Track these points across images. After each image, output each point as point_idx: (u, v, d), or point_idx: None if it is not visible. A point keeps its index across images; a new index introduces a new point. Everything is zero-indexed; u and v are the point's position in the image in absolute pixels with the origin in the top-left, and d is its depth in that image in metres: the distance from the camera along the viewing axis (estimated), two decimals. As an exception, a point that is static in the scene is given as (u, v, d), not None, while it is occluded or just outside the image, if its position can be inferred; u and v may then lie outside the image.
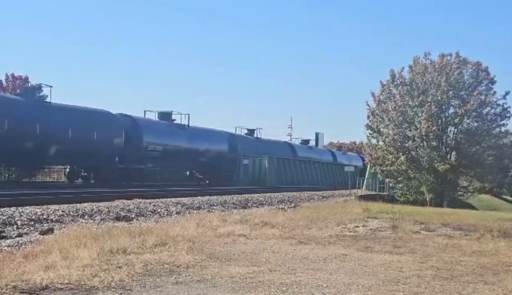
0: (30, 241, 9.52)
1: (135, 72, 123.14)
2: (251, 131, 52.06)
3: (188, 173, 41.91)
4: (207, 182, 41.18)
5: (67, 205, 14.66)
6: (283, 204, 23.53)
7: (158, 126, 38.86)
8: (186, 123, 41.11)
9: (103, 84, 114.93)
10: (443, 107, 31.07)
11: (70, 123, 30.01)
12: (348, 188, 36.27)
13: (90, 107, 33.50)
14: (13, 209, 12.86)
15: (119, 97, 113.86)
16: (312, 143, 63.69)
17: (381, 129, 32.03)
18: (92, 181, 32.77)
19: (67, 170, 34.02)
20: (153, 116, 40.58)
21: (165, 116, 40.61)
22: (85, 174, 33.71)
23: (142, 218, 14.74)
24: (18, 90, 40.68)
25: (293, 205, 22.67)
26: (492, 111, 31.51)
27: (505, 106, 31.53)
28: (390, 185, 36.21)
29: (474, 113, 30.94)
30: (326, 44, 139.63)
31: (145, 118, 39.75)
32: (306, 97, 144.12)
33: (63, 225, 11.84)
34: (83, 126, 30.87)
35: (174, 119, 40.91)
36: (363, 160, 67.15)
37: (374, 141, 32.99)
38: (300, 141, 63.36)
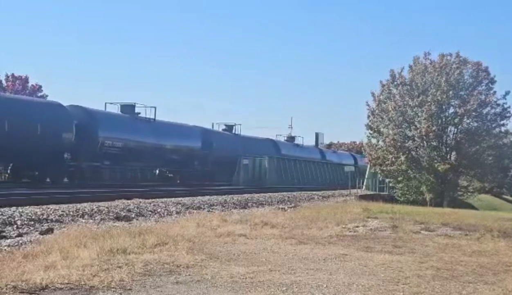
0: (30, 241, 9.51)
1: (135, 72, 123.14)
2: (229, 127, 48.77)
3: (157, 171, 38.15)
4: (178, 181, 38.07)
5: (67, 205, 14.65)
6: (283, 204, 23.52)
7: (117, 120, 34.97)
8: (152, 117, 37.48)
9: (103, 84, 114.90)
10: (443, 107, 31.09)
11: (7, 115, 26.17)
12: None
13: (34, 98, 30.61)
14: (13, 208, 12.86)
15: (119, 97, 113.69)
16: (300, 140, 60.62)
17: (381, 129, 32.05)
18: (48, 180, 29.49)
19: (9, 168, 30.25)
20: (116, 109, 36.78)
21: (128, 109, 36.36)
22: (33, 173, 29.83)
23: (142, 217, 14.74)
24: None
25: (293, 205, 22.66)
26: (492, 111, 31.57)
27: (505, 106, 31.61)
28: (390, 184, 36.26)
29: (474, 113, 30.97)
30: (326, 44, 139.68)
31: (101, 110, 35.71)
32: (306, 97, 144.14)
33: (63, 225, 11.83)
34: (24, 118, 27.16)
35: (139, 113, 36.97)
36: (354, 158, 66.63)
37: (374, 141, 33.03)
38: (285, 138, 59.68)
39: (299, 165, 50.57)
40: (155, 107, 37.31)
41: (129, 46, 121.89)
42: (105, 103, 36.70)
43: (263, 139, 52.99)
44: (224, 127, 48.91)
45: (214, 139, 43.78)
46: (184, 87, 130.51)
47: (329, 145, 77.99)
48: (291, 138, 59.55)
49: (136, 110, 37.23)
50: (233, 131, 48.73)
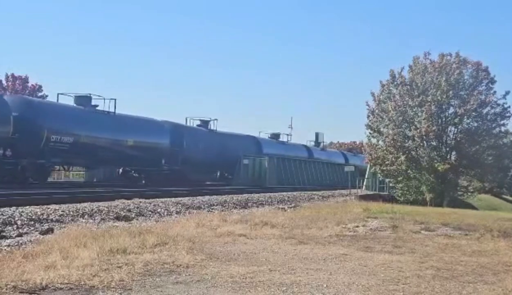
0: (30, 241, 9.51)
1: (135, 72, 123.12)
2: (204, 123, 43.90)
3: (120, 170, 34.16)
4: (143, 181, 33.89)
5: (67, 205, 14.64)
6: (283, 203, 23.53)
7: (67, 112, 30.45)
8: (112, 110, 32.84)
9: (103, 83, 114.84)
10: (443, 107, 31.07)
11: None
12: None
13: None
14: (13, 208, 12.85)
15: (119, 96, 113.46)
16: (285, 138, 56.36)
17: (381, 129, 32.04)
18: None
19: None
20: (71, 102, 32.11)
21: (83, 100, 31.78)
22: None
23: (142, 217, 14.74)
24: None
25: (293, 204, 22.67)
26: (492, 111, 31.54)
27: (505, 106, 31.58)
28: (390, 184, 36.23)
29: (474, 113, 30.95)
30: (326, 44, 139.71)
31: (47, 101, 32.38)
32: (306, 97, 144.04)
33: (63, 225, 11.83)
34: None
35: (96, 105, 32.54)
36: (345, 156, 65.20)
37: (374, 141, 33.01)
38: (268, 135, 54.83)
39: (287, 164, 47.51)
40: (115, 100, 33.11)
41: (129, 46, 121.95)
42: (58, 94, 32.28)
43: (243, 136, 48.15)
44: (198, 122, 43.82)
45: (186, 136, 39.25)
46: (183, 86, 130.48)
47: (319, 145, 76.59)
48: (275, 136, 54.85)
49: (97, 103, 32.72)
50: (209, 127, 43.86)
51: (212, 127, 43.98)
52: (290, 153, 51.79)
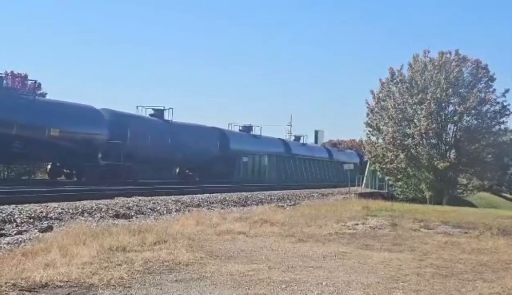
0: (30, 239, 9.51)
1: (134, 71, 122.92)
2: (158, 112, 37.91)
3: (49, 166, 30.39)
4: (75, 178, 30.39)
5: (66, 203, 14.63)
6: (283, 201, 23.52)
7: None
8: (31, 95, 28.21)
9: (102, 83, 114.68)
10: (443, 105, 31.10)
11: None
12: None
13: None
14: (12, 206, 12.85)
15: (119, 95, 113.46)
16: (257, 131, 50.48)
17: (381, 127, 32.07)
18: None
19: None
20: None
21: None
22: None
23: (142, 215, 14.74)
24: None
25: (292, 202, 22.67)
26: (492, 109, 31.59)
27: (505, 104, 31.64)
28: (390, 182, 36.26)
29: (473, 111, 31.01)
30: (325, 43, 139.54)
31: None
32: (306, 95, 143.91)
33: (63, 223, 11.83)
34: None
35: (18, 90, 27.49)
36: (329, 152, 61.23)
37: (373, 139, 33.05)
38: (240, 128, 49.52)
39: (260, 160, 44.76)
40: (35, 81, 27.86)
41: (129, 46, 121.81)
42: None
43: (206, 128, 42.76)
44: (151, 112, 37.95)
45: (131, 126, 33.54)
46: (185, 86, 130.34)
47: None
48: (247, 128, 49.15)
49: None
50: (164, 117, 37.97)
51: (168, 118, 37.99)
52: (263, 147, 46.84)
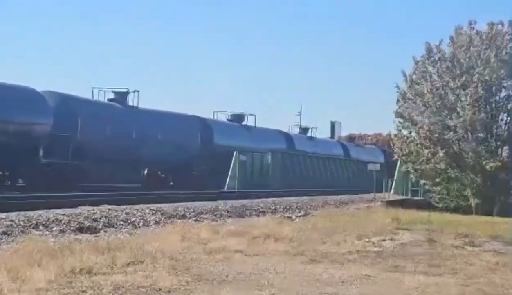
0: (-30, 259, 9.52)
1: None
2: (121, 97, 36.37)
3: None
4: (8, 182, 29.49)
5: (16, 213, 14.64)
6: (290, 211, 23.57)
7: None
8: None
9: (46, 59, 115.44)
10: (493, 89, 31.06)
11: None
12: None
13: None
14: None
15: (69, 75, 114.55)
16: (252, 121, 49.66)
17: (414, 118, 32.01)
18: None
19: None
20: None
21: None
22: None
23: (112, 229, 14.78)
24: None
25: (302, 212, 22.71)
26: (558, 94, 31.56)
27: None
28: (426, 187, 36.27)
29: (532, 97, 30.99)
30: (345, 17, 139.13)
31: None
32: (320, 80, 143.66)
33: (11, 238, 11.84)
34: None
35: None
36: (344, 148, 61.20)
37: (405, 132, 33.02)
38: (228, 117, 48.77)
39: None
40: None
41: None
42: None
43: (184, 117, 41.47)
44: (111, 96, 36.25)
45: (82, 114, 32.37)
46: (159, 62, 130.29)
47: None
48: (237, 118, 48.60)
49: None
50: (128, 103, 36.54)
51: (133, 104, 36.65)
52: (258, 142, 46.46)
